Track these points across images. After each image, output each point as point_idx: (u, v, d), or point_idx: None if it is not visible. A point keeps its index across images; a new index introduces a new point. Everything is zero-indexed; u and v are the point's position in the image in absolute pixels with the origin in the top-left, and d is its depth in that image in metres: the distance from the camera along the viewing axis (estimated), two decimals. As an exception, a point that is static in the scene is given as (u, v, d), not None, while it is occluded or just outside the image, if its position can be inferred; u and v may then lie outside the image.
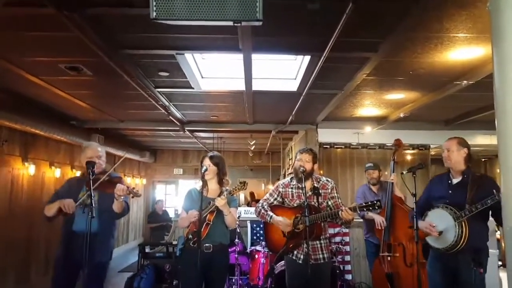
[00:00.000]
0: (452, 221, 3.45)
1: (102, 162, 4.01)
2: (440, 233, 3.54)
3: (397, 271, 4.69)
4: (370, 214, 5.17)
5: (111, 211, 3.78)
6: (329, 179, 4.05)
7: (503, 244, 3.37)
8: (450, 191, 3.68)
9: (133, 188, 3.71)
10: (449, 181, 3.74)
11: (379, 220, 5.03)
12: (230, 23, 2.18)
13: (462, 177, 3.66)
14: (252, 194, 13.95)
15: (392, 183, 4.95)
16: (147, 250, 7.13)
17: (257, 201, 11.97)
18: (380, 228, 4.98)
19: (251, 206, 10.75)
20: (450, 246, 3.45)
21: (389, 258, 4.76)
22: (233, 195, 3.81)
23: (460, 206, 3.48)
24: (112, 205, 3.74)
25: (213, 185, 3.91)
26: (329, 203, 3.91)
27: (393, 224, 4.85)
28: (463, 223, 3.42)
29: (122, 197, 3.68)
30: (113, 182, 3.69)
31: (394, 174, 5.00)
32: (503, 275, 3.23)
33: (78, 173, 7.80)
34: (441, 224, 3.54)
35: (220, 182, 3.94)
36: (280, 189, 4.06)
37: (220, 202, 3.63)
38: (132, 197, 3.87)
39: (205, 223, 3.69)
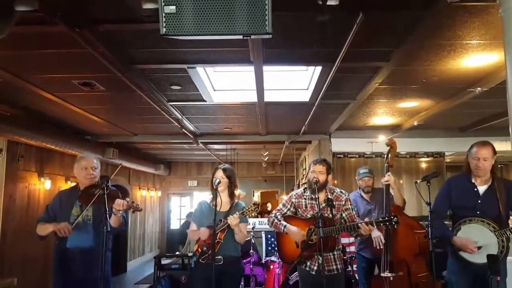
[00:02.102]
0: (494, 238, 3.34)
1: (97, 174, 3.81)
2: (478, 248, 3.39)
3: None
4: None
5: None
6: (343, 191, 4.01)
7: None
8: (479, 201, 3.50)
9: (133, 202, 3.58)
10: (475, 189, 3.55)
11: (377, 238, 4.50)
12: (240, 37, 2.18)
13: (489, 185, 3.50)
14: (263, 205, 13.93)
15: (388, 185, 4.33)
16: (163, 261, 7.13)
17: (261, 213, 11.96)
18: (379, 247, 4.47)
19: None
20: None
21: (391, 278, 4.13)
22: (245, 216, 3.82)
23: (493, 218, 3.38)
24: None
25: (224, 197, 3.90)
26: (343, 215, 3.88)
27: (393, 239, 4.26)
28: (504, 238, 3.33)
29: (121, 212, 3.53)
30: (111, 196, 3.46)
31: (388, 174, 4.38)
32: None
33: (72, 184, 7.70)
34: (480, 240, 3.39)
35: (231, 195, 3.95)
36: (294, 200, 4.03)
37: (233, 222, 3.64)
38: (133, 212, 3.73)
39: (215, 241, 3.68)
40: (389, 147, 4.56)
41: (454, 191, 3.66)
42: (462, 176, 3.69)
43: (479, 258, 3.35)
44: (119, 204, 3.46)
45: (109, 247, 3.78)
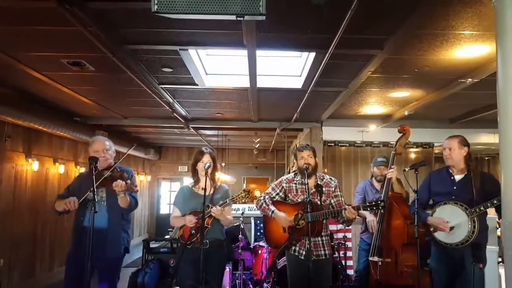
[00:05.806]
0: (465, 217, 3.53)
1: (110, 156, 3.93)
2: (451, 228, 3.60)
3: (388, 279, 4.21)
4: (362, 212, 4.80)
5: (119, 206, 3.73)
6: (332, 178, 4.05)
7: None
8: (455, 187, 3.75)
9: (132, 184, 3.65)
10: (451, 177, 3.82)
11: (371, 221, 4.82)
12: (233, 17, 2.16)
13: (465, 174, 3.75)
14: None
15: (390, 178, 4.33)
16: (152, 245, 7.11)
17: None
18: (371, 231, 4.77)
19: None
20: (461, 241, 3.53)
21: (380, 263, 4.24)
22: (234, 202, 3.84)
23: (467, 202, 3.57)
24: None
25: (207, 181, 3.87)
26: (332, 201, 3.92)
27: (386, 226, 4.34)
28: (475, 219, 3.51)
29: (122, 193, 3.63)
30: (115, 178, 3.62)
31: (393, 167, 4.35)
32: (503, 271, 3.29)
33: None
34: (452, 220, 3.60)
35: (213, 178, 3.95)
36: (284, 185, 4.05)
37: (217, 213, 3.67)
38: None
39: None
40: (401, 134, 4.46)
41: (433, 181, 3.96)
42: (442, 169, 4.00)
43: (452, 238, 3.60)
44: (117, 185, 3.55)
45: (125, 228, 3.91)
